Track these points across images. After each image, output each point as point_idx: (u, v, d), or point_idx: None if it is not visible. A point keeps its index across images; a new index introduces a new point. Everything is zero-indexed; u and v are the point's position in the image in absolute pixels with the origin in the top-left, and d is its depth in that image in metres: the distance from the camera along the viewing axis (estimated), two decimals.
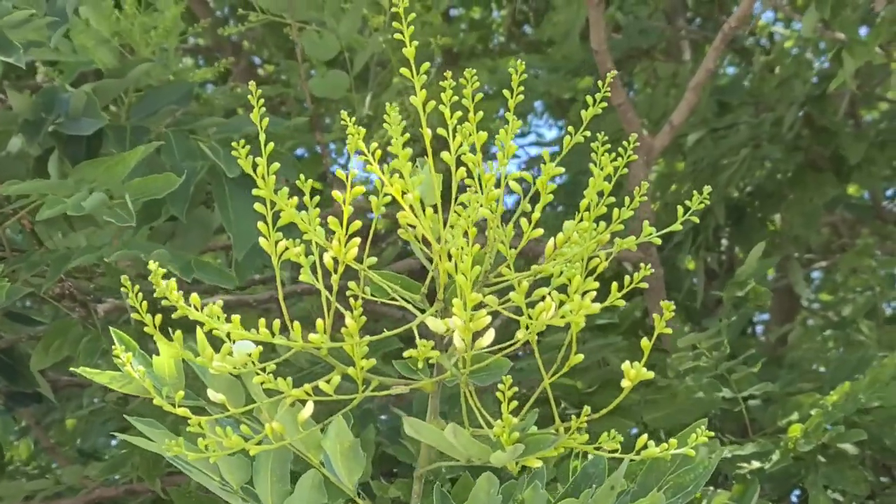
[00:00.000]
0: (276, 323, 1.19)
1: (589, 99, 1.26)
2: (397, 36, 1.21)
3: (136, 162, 2.06)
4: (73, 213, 2.01)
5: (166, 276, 1.21)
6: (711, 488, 2.70)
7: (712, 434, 1.29)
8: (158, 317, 1.19)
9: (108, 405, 3.11)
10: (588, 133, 1.25)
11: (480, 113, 1.21)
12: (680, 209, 1.30)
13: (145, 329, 1.18)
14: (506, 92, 1.22)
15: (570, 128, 1.25)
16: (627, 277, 1.21)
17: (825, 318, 4.55)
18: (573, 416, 1.24)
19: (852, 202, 4.66)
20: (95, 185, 2.06)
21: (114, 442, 3.57)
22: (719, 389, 2.92)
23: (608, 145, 1.23)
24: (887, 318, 4.03)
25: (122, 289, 1.19)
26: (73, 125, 2.25)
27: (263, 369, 1.20)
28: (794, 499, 3.11)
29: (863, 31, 3.15)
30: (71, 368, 1.36)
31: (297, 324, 1.18)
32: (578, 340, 3.20)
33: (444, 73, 1.22)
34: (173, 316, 1.19)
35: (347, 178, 1.19)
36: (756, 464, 2.77)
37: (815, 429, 2.70)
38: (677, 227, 1.29)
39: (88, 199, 2.01)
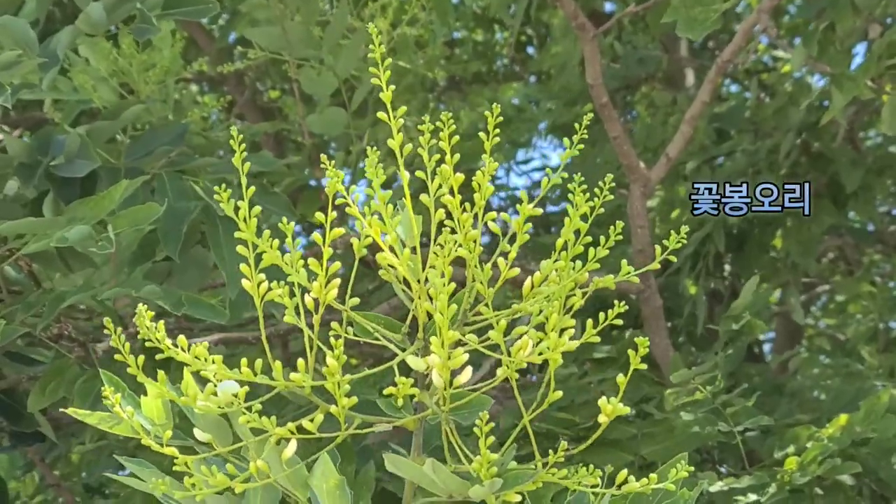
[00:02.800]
0: (259, 363, 1.21)
1: (567, 142, 1.28)
2: (386, 74, 1.24)
3: (123, 197, 2.09)
4: (57, 245, 2.03)
5: (159, 317, 1.24)
6: None
7: (692, 469, 1.30)
8: (141, 358, 1.22)
9: (112, 441, 3.13)
10: (566, 175, 1.28)
11: (457, 156, 1.23)
12: (658, 248, 1.32)
13: (128, 370, 1.21)
14: (482, 135, 1.24)
15: (548, 170, 1.28)
16: (602, 315, 1.23)
17: (829, 338, 4.56)
18: (557, 450, 1.26)
19: (854, 226, 4.67)
20: (85, 222, 2.09)
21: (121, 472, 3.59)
22: (715, 423, 2.93)
23: (584, 185, 1.25)
24: (889, 342, 4.05)
25: (104, 331, 1.22)
26: (68, 167, 2.28)
27: (249, 408, 1.23)
28: None
29: (858, 57, 3.18)
30: (61, 409, 1.38)
31: (278, 363, 1.21)
32: (577, 375, 3.21)
33: (429, 113, 1.25)
34: (157, 357, 1.22)
35: (327, 220, 1.22)
36: (752, 497, 2.78)
37: (811, 461, 2.72)
38: (655, 265, 1.31)
39: (72, 231, 2.04)
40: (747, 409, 2.94)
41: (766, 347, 4.66)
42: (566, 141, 1.28)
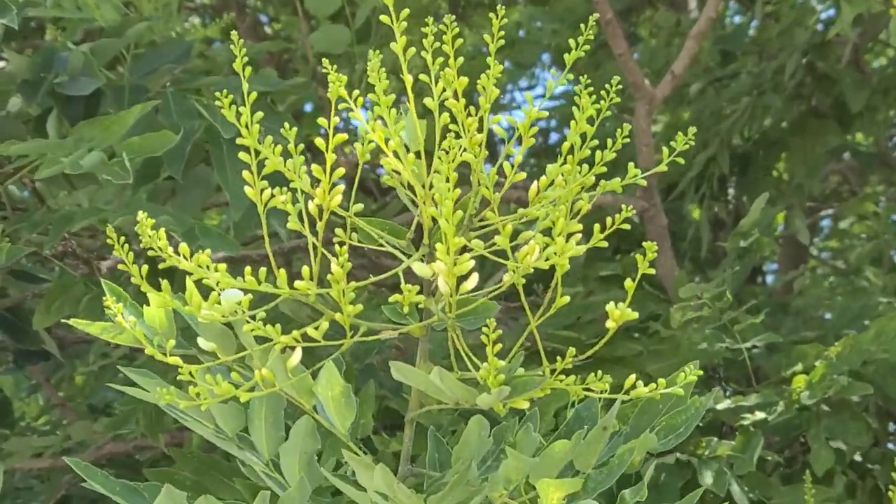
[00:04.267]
0: (263, 271, 1.20)
1: (572, 42, 1.26)
2: None
3: (134, 121, 2.07)
4: (71, 172, 2.02)
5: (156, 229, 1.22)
6: (715, 439, 2.71)
7: (701, 373, 1.29)
8: (145, 267, 1.20)
9: (116, 362, 3.13)
10: (572, 76, 1.26)
11: (461, 59, 1.21)
12: (665, 151, 1.30)
13: (133, 284, 1.19)
14: (487, 37, 1.22)
15: (553, 72, 1.26)
16: (609, 219, 1.22)
17: (832, 267, 4.55)
18: (560, 362, 1.25)
19: (858, 149, 4.65)
20: (94, 144, 2.07)
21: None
22: (722, 340, 2.93)
23: (591, 88, 1.23)
24: (893, 265, 4.03)
25: (108, 241, 1.20)
26: (72, 85, 2.26)
27: (253, 317, 1.21)
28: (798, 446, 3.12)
29: None
30: (63, 320, 1.37)
31: (282, 271, 1.19)
32: (583, 294, 3.21)
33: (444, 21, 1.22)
34: (160, 267, 1.20)
35: (330, 124, 1.20)
36: (760, 415, 2.78)
37: (820, 381, 2.71)
38: (663, 167, 1.30)
39: (86, 157, 2.02)
40: (755, 326, 2.94)
41: (770, 279, 4.65)
42: (571, 42, 1.25)
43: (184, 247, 1.21)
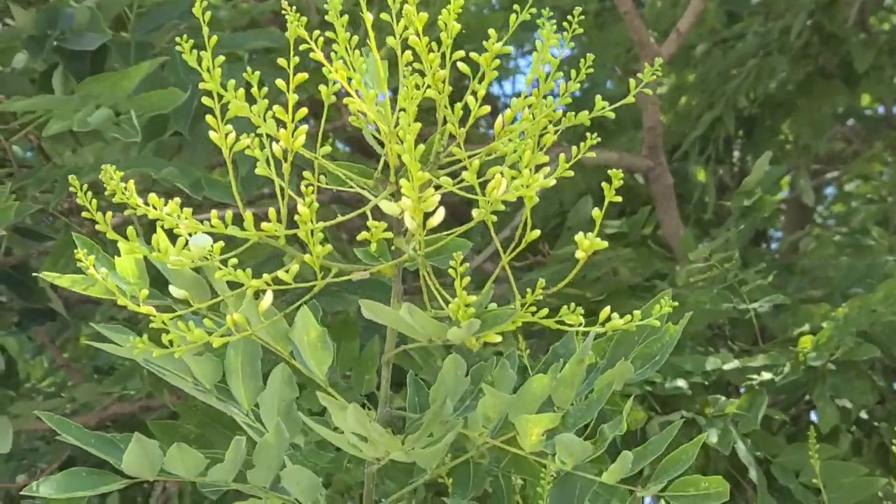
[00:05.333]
0: (229, 214, 1.20)
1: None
2: None
3: (141, 77, 2.07)
4: (79, 129, 2.02)
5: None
6: (721, 398, 2.70)
7: (676, 304, 1.29)
8: (109, 215, 1.20)
9: (121, 322, 3.13)
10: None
11: None
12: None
13: (97, 228, 1.19)
14: None
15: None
16: (574, 148, 1.21)
17: (837, 232, 4.53)
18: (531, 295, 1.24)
19: (864, 113, 4.62)
20: (101, 101, 2.08)
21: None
22: (729, 300, 2.92)
23: (553, 20, 1.22)
24: None
25: (70, 188, 1.20)
26: (77, 40, 2.26)
27: (224, 263, 1.21)
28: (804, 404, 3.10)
29: None
30: (34, 274, 1.38)
31: (248, 213, 1.19)
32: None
33: None
34: (125, 212, 1.20)
35: (289, 65, 1.20)
36: (766, 375, 2.76)
37: (827, 342, 2.70)
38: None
39: (94, 114, 2.03)
40: (762, 286, 2.92)
41: (775, 246, 4.63)
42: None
43: (153, 196, 1.21)
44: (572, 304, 1.25)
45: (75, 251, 1.29)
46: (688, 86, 4.20)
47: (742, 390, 2.80)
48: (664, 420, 2.59)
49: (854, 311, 2.75)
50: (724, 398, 2.71)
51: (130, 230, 1.20)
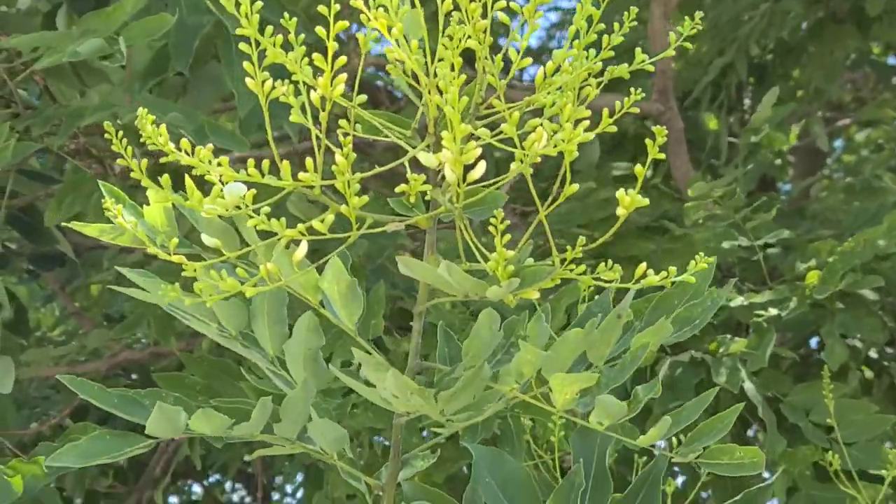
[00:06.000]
0: (266, 163, 1.17)
1: None
2: None
3: (137, 9, 2.04)
4: (70, 60, 1.99)
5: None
6: (728, 336, 2.70)
7: (712, 260, 1.27)
8: (145, 161, 1.18)
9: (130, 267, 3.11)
10: None
11: None
12: (672, 35, 1.27)
13: (132, 175, 1.17)
14: None
15: None
16: (618, 103, 1.19)
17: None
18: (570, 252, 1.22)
19: (875, 60, 4.59)
20: (98, 34, 2.04)
21: None
22: (735, 238, 2.91)
23: None
24: None
25: (105, 136, 1.18)
26: None
27: (257, 212, 1.19)
28: (813, 345, 3.11)
29: None
30: (63, 224, 1.35)
31: (286, 163, 1.17)
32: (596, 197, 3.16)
33: None
34: (161, 161, 1.18)
35: (329, 11, 1.17)
36: (773, 311, 2.76)
37: (832, 274, 2.69)
38: (670, 52, 1.27)
39: (84, 45, 2.00)
40: (768, 223, 2.91)
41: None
42: None
43: (185, 142, 1.19)
44: (609, 261, 1.23)
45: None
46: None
47: (749, 329, 2.79)
48: (674, 360, 2.59)
49: (859, 245, 2.74)
50: (730, 337, 2.71)
51: (165, 177, 1.17)
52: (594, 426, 1.29)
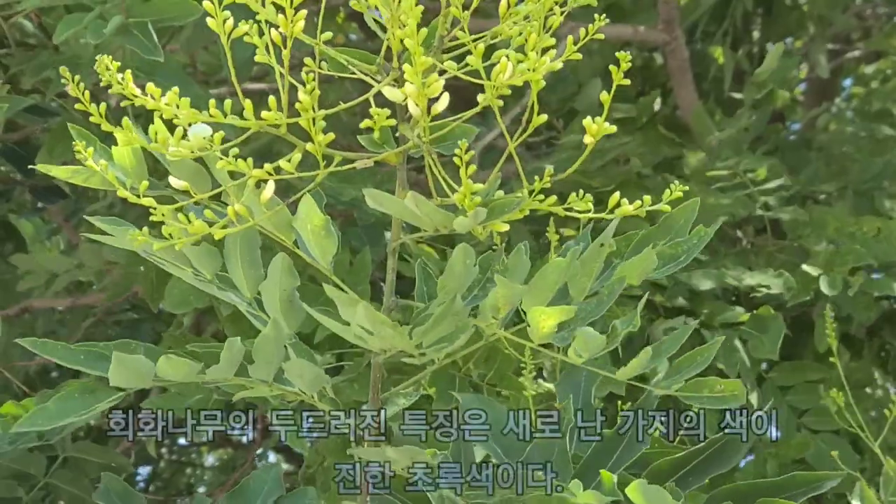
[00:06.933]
0: (228, 103, 1.16)
1: None
2: None
3: None
4: (93, 41, 1.98)
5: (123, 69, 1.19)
6: (737, 307, 2.68)
7: (686, 188, 1.25)
8: (103, 105, 1.17)
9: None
10: None
11: None
12: None
13: (91, 119, 1.16)
14: None
15: None
16: (583, 31, 1.17)
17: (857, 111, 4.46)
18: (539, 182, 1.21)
19: None
20: None
21: None
22: (745, 206, 2.87)
23: None
24: None
25: (62, 80, 1.17)
26: None
27: (224, 153, 1.18)
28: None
29: None
30: (30, 166, 1.35)
31: (248, 102, 1.16)
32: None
33: None
34: (122, 104, 1.17)
35: None
36: (776, 290, 2.72)
37: (841, 264, 2.66)
38: None
39: (109, 24, 1.98)
40: (774, 165, 2.89)
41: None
42: None
43: (150, 86, 1.18)
44: (581, 191, 1.22)
45: (73, 141, 1.26)
46: None
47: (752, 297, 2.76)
48: (668, 326, 2.56)
49: (871, 231, 2.71)
50: (736, 307, 2.68)
51: (125, 119, 1.16)
52: (573, 360, 1.28)
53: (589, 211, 1.22)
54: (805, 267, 2.68)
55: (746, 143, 3.09)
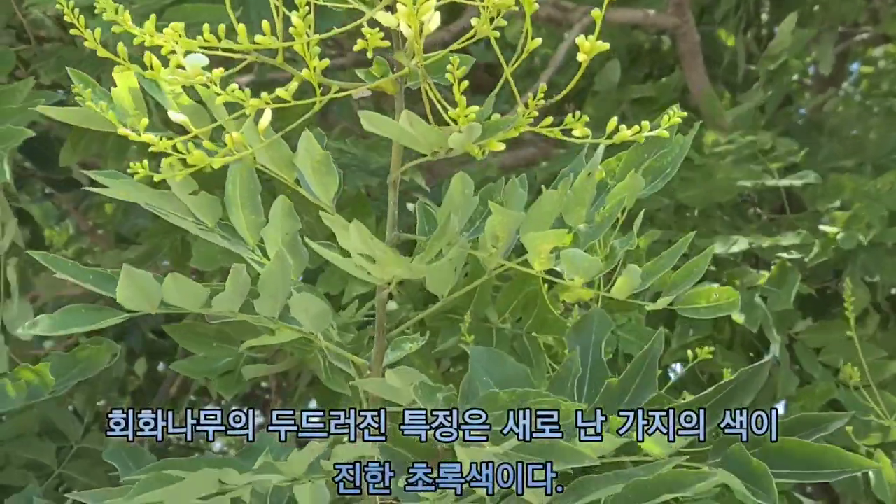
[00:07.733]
0: (222, 27, 1.17)
1: None
2: None
3: None
4: None
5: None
6: (754, 270, 2.67)
7: (685, 114, 1.25)
8: (98, 31, 1.17)
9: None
10: None
11: None
12: None
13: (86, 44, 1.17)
14: None
15: None
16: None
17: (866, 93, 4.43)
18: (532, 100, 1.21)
19: None
20: None
21: None
22: (758, 176, 2.87)
23: None
24: None
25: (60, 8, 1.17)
26: None
27: (220, 84, 1.18)
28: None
29: None
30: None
31: (242, 26, 1.16)
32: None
33: None
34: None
35: None
36: (796, 254, 2.72)
37: (858, 220, 2.66)
38: None
39: None
40: (788, 143, 2.88)
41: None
42: None
43: (150, 24, 1.18)
44: (577, 112, 1.22)
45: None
46: None
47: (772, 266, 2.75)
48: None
49: (885, 187, 2.70)
50: (755, 270, 2.68)
51: (121, 46, 1.17)
52: (567, 283, 1.28)
53: (587, 137, 1.22)
54: (823, 227, 2.68)
55: (761, 123, 3.08)
